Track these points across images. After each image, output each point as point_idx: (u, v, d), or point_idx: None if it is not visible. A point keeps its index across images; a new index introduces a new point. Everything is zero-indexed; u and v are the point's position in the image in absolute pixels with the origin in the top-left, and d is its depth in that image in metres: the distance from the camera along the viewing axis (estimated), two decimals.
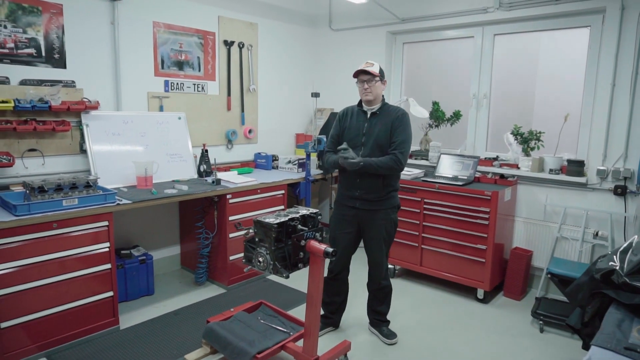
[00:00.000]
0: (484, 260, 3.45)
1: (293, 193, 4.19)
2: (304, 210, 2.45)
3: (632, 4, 3.13)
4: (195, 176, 3.79)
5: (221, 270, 3.67)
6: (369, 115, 2.78)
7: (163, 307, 3.31)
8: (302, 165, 4.36)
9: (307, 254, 2.29)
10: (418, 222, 3.76)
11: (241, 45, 4.27)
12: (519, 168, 3.77)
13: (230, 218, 3.57)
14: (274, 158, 4.55)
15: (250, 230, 2.35)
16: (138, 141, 3.53)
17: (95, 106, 3.28)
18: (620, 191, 3.28)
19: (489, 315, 3.34)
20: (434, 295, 3.68)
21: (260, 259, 2.23)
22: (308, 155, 4.11)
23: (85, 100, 3.25)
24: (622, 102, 3.25)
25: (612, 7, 3.21)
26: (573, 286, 1.86)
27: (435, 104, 4.26)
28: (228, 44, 4.16)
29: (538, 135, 3.68)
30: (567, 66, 3.64)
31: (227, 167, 4.18)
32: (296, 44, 4.89)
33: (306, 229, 2.27)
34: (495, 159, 3.94)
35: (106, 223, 2.80)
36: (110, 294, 2.88)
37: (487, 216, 3.40)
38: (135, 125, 3.53)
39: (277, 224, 2.18)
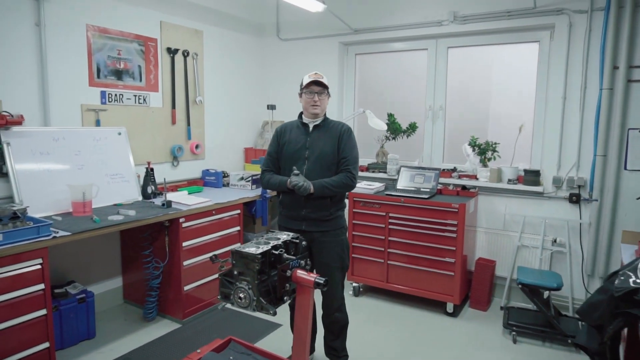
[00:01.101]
0: (452, 274, 3.41)
1: (249, 212, 3.90)
2: (283, 235, 2.20)
3: (579, 20, 3.30)
4: (140, 198, 3.37)
5: (174, 302, 3.27)
6: (311, 129, 2.57)
7: (109, 353, 2.85)
8: (256, 181, 4.08)
9: (293, 285, 2.05)
10: (383, 237, 3.65)
11: (186, 54, 3.92)
12: (477, 179, 3.81)
13: (185, 244, 3.20)
14: (224, 175, 4.23)
15: (221, 260, 2.06)
16: (72, 161, 3.06)
17: (18, 121, 2.78)
18: (575, 199, 3.41)
19: (460, 329, 3.29)
20: (402, 312, 3.57)
21: (242, 295, 1.94)
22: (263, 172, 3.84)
23: (5, 114, 2.74)
24: (573, 114, 3.39)
25: (561, 23, 3.36)
26: (586, 306, 1.82)
27: (390, 115, 4.21)
28: (172, 52, 3.79)
29: (494, 146, 3.75)
30: (519, 79, 3.75)
31: (174, 187, 3.79)
32: (243, 54, 4.62)
33: (293, 257, 2.03)
34: (454, 170, 3.95)
35: (40, 261, 2.34)
36: (46, 345, 2.40)
37: (454, 229, 3.36)
38: (68, 142, 3.05)
39: (260, 254, 1.92)
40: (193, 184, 4.01)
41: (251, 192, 3.91)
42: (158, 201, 3.27)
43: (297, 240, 2.15)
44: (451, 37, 3.90)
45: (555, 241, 3.50)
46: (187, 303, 3.27)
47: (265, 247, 1.99)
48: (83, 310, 2.93)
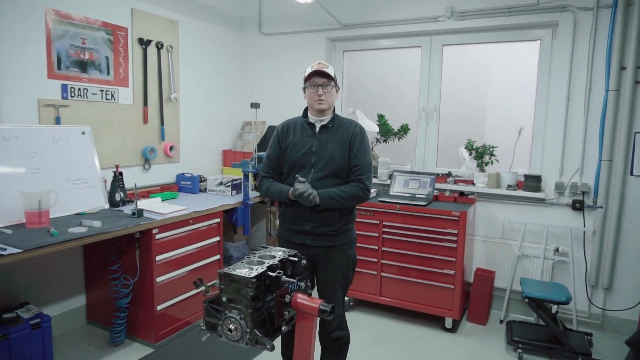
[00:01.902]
0: (452, 287, 3.17)
1: (229, 220, 3.55)
2: (278, 252, 1.89)
3: (584, 18, 3.13)
4: (107, 206, 2.98)
5: (146, 323, 2.90)
6: (317, 129, 2.24)
7: None
8: (237, 187, 3.75)
9: (292, 312, 1.74)
10: (377, 247, 3.38)
11: (159, 46, 3.55)
12: (474, 184, 3.60)
13: (158, 257, 2.84)
14: (201, 179, 3.86)
15: (206, 285, 1.73)
16: (26, 164, 2.64)
17: None
18: (579, 206, 3.23)
19: (461, 347, 3.05)
20: (397, 328, 3.30)
21: (232, 327, 1.62)
22: (246, 176, 3.52)
23: None
24: (576, 116, 3.22)
25: (565, 21, 3.19)
26: (638, 335, 1.60)
27: (381, 117, 3.95)
28: (144, 43, 3.42)
29: (491, 150, 3.55)
30: (518, 79, 3.57)
31: (146, 193, 3.41)
32: (223, 49, 4.27)
33: (293, 280, 1.72)
34: (449, 175, 3.73)
35: None
36: None
37: (455, 238, 3.13)
38: (22, 142, 2.64)
39: (255, 277, 1.60)
40: (167, 190, 3.63)
41: (231, 199, 3.57)
42: (128, 210, 2.89)
43: (296, 259, 1.84)
44: (447, 34, 3.68)
45: (557, 250, 3.32)
46: (160, 324, 2.91)
47: (260, 269, 1.67)
48: (38, 337, 2.52)
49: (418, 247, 3.25)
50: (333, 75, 2.19)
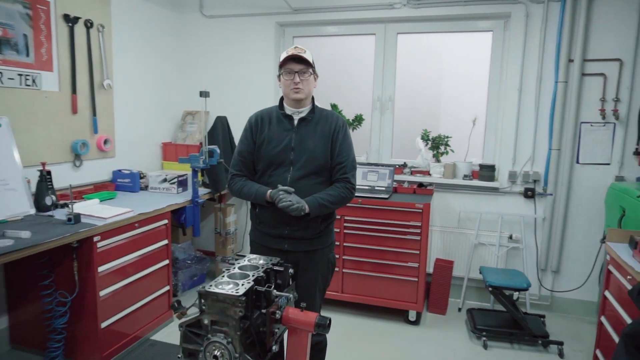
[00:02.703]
0: (416, 279, 3.14)
1: (177, 221, 3.24)
2: (259, 261, 1.68)
3: (535, 10, 3.20)
4: (33, 211, 2.54)
5: (89, 343, 2.53)
6: (296, 122, 2.03)
7: None
8: (183, 183, 3.43)
9: (282, 329, 1.55)
10: (338, 243, 3.25)
11: (89, 24, 3.10)
12: (430, 175, 3.60)
13: (101, 268, 2.48)
14: (141, 176, 3.48)
15: (185, 307, 1.49)
16: None
17: None
18: (530, 194, 3.35)
19: (427, 339, 3.04)
20: (360, 324, 3.22)
21: (217, 353, 1.39)
22: (195, 172, 3.21)
23: None
24: (528, 107, 3.31)
25: (517, 12, 3.24)
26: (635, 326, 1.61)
27: (334, 107, 3.81)
28: (70, 21, 2.96)
29: (446, 140, 3.56)
30: (472, 70, 3.59)
31: (78, 193, 2.98)
32: (161, 30, 3.86)
33: (286, 294, 1.53)
34: (404, 166, 3.70)
35: None
36: None
37: (418, 230, 3.09)
38: None
39: (243, 294, 1.39)
40: (102, 189, 3.22)
41: (178, 197, 3.24)
42: (60, 215, 2.49)
43: (281, 268, 1.65)
44: (402, 23, 3.61)
45: (511, 237, 3.42)
46: (105, 342, 2.56)
47: (247, 283, 1.46)
48: None
49: (380, 241, 3.18)
50: (311, 61, 1.98)
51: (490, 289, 2.94)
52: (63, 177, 2.97)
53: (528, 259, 3.40)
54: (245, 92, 3.97)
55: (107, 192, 3.13)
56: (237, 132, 3.78)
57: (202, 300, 1.42)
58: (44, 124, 2.83)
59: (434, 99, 3.75)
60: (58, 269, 2.49)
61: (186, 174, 3.48)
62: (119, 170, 3.40)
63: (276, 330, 1.51)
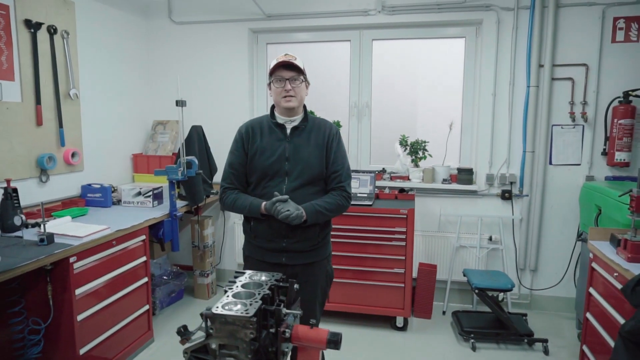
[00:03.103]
0: (402, 285, 3.14)
1: (154, 237, 3.09)
2: (261, 277, 1.61)
3: (506, 17, 3.30)
4: None
5: None
6: (289, 131, 1.98)
7: None
8: (158, 196, 3.29)
9: (291, 347, 1.49)
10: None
11: (52, 30, 2.91)
12: (409, 180, 3.62)
13: (78, 291, 2.32)
14: (113, 189, 3.31)
15: (190, 332, 1.40)
16: None
17: None
18: (507, 195, 3.43)
19: (416, 344, 3.04)
20: (347, 333, 3.17)
21: None
22: (172, 184, 3.08)
23: None
24: (502, 111, 3.40)
25: (489, 19, 3.33)
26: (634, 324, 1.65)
27: (311, 113, 3.76)
28: (32, 27, 2.77)
29: (423, 145, 3.60)
30: (446, 75, 3.65)
31: (46, 211, 2.77)
32: (128, 37, 3.70)
33: (296, 311, 1.46)
34: (383, 171, 3.70)
35: None
36: None
37: (403, 236, 3.10)
38: None
39: (254, 314, 1.31)
40: (71, 205, 3.03)
41: (155, 211, 3.10)
42: (31, 235, 2.31)
43: (287, 283, 1.58)
44: (376, 29, 3.63)
45: (490, 239, 3.49)
46: None
47: (255, 302, 1.39)
48: None
49: (365, 248, 3.16)
50: (302, 68, 1.94)
51: (476, 291, 2.98)
52: (29, 193, 2.77)
53: (507, 259, 3.48)
54: (219, 100, 3.87)
55: (78, 209, 2.95)
56: (213, 141, 3.70)
57: (209, 324, 1.34)
58: (6, 138, 2.63)
59: (410, 104, 3.79)
60: (30, 293, 2.31)
61: (161, 187, 3.34)
62: (89, 185, 3.22)
63: (285, 349, 1.45)
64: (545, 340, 2.92)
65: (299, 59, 1.96)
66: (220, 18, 3.77)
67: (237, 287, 1.52)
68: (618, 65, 3.16)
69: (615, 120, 3.11)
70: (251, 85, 3.88)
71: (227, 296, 1.44)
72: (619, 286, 2.05)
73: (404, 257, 3.11)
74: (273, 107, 2.03)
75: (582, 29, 3.18)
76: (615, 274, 2.10)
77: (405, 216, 3.08)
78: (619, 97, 3.13)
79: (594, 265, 2.37)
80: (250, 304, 1.37)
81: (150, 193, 3.22)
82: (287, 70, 1.92)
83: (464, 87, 3.56)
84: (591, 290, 2.40)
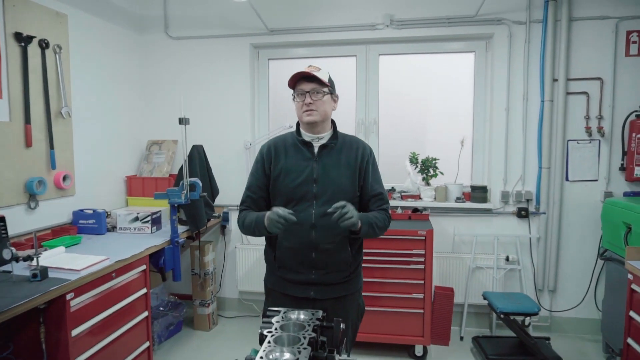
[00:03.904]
0: (422, 311, 2.96)
1: (154, 266, 2.84)
2: (300, 315, 1.41)
3: (518, 31, 3.23)
4: None
5: None
6: (316, 150, 1.81)
7: None
8: (157, 221, 3.06)
9: None
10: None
11: (44, 45, 2.70)
12: (421, 198, 3.47)
13: (75, 332, 2.06)
14: (107, 215, 3.06)
15: None
16: None
17: None
18: (524, 213, 3.31)
19: None
20: None
21: None
22: (174, 208, 2.86)
23: None
24: (516, 126, 3.30)
25: (500, 33, 3.25)
26: None
27: None
28: (23, 40, 2.55)
29: (434, 162, 3.46)
30: (456, 90, 3.54)
31: (35, 240, 2.52)
32: (123, 53, 3.50)
33: (345, 358, 1.27)
34: (393, 190, 3.55)
35: None
36: None
37: (422, 259, 2.93)
38: None
39: None
40: (62, 233, 2.77)
41: (154, 238, 2.87)
42: (21, 269, 2.06)
43: (332, 323, 1.38)
44: (384, 44, 3.52)
45: (507, 259, 3.35)
46: None
47: (303, 349, 1.19)
48: None
49: (382, 272, 2.98)
50: (326, 80, 1.77)
51: (501, 316, 2.81)
52: (16, 222, 2.52)
53: (525, 280, 3.34)
54: (220, 119, 3.68)
55: (70, 237, 2.69)
56: (213, 161, 3.49)
57: None
58: None
59: (419, 120, 3.66)
60: (19, 336, 2.04)
61: (160, 211, 3.11)
62: (81, 210, 2.96)
63: None
64: None
65: (323, 70, 1.79)
66: (220, 33, 3.61)
67: (275, 329, 1.32)
68: (633, 78, 3.10)
69: (634, 135, 3.04)
70: (252, 102, 3.71)
71: (269, 342, 1.24)
72: None
73: (422, 282, 2.94)
74: (298, 124, 1.86)
75: (595, 42, 3.13)
76: None
77: (423, 238, 2.91)
78: (636, 111, 3.07)
79: (635, 287, 2.24)
80: (299, 352, 1.17)
81: (149, 218, 2.99)
82: (307, 82, 1.76)
83: (474, 102, 3.46)
84: (632, 314, 2.26)
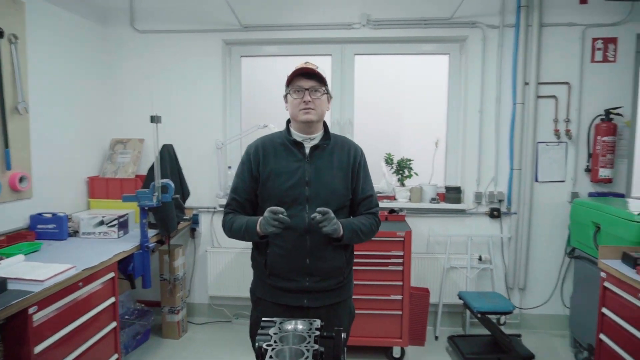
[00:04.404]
0: (400, 313, 2.95)
1: (123, 272, 2.67)
2: (298, 325, 1.34)
3: (491, 35, 3.28)
4: None
5: None
6: (308, 150, 1.74)
7: None
8: (124, 225, 2.88)
9: None
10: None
11: None
12: (396, 199, 3.47)
13: (38, 348, 1.89)
14: (68, 219, 2.85)
15: None
16: None
17: None
18: (496, 213, 3.37)
19: None
20: None
21: None
22: (144, 211, 2.70)
23: None
24: (489, 128, 3.36)
25: (474, 37, 3.30)
26: None
27: None
28: None
29: (408, 163, 3.47)
30: (431, 92, 3.57)
31: None
32: (85, 45, 3.28)
33: None
34: None
35: None
36: None
37: (400, 260, 2.92)
38: None
39: None
40: (19, 239, 2.55)
41: (122, 243, 2.70)
42: None
43: (333, 332, 1.32)
44: (359, 44, 3.49)
45: (480, 258, 3.40)
46: None
47: None
48: None
49: (361, 275, 2.92)
50: (324, 78, 1.71)
51: (478, 315, 2.85)
52: None
53: (496, 279, 3.41)
54: (190, 117, 3.53)
55: (28, 244, 2.48)
56: (184, 162, 3.34)
57: None
58: None
59: (394, 121, 3.66)
60: None
61: (127, 214, 2.93)
62: (39, 214, 2.75)
63: None
64: None
65: (320, 69, 1.73)
66: (191, 28, 3.46)
67: (275, 342, 1.24)
68: (598, 84, 3.23)
69: (599, 138, 3.17)
70: (224, 100, 3.58)
71: (270, 357, 1.16)
72: None
73: (401, 283, 2.93)
74: (289, 122, 1.78)
75: (564, 48, 3.23)
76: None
77: (402, 239, 2.91)
78: (600, 115, 3.20)
79: (607, 284, 2.31)
80: None
81: (116, 222, 2.81)
82: (307, 79, 1.68)
83: (448, 104, 3.50)
84: (605, 310, 2.33)
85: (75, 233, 2.84)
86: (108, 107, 3.54)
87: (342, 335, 1.31)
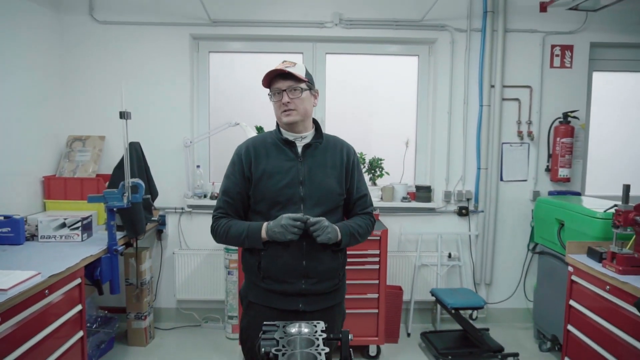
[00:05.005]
0: (376, 311, 2.97)
1: (89, 278, 2.50)
2: (303, 329, 1.31)
3: (459, 38, 3.38)
4: None
5: None
6: (300, 150, 1.69)
7: None
8: (88, 227, 2.71)
9: None
10: None
11: None
12: None
13: None
14: (25, 222, 2.64)
15: None
16: None
17: None
18: (465, 212, 3.48)
19: None
20: None
21: None
22: (112, 213, 2.54)
23: None
24: (457, 129, 3.46)
25: (443, 39, 3.39)
26: None
27: (259, 129, 3.47)
28: None
29: (379, 162, 3.51)
30: (401, 92, 3.62)
31: None
32: (39, 34, 3.05)
33: None
34: None
35: None
36: None
37: (377, 259, 2.95)
38: None
39: None
40: None
41: (87, 246, 2.53)
42: None
43: (339, 334, 1.29)
44: (331, 42, 3.48)
45: (450, 256, 3.50)
46: None
47: None
48: None
49: None
50: (302, 76, 1.64)
51: (452, 311, 2.92)
52: None
53: (464, 275, 3.52)
54: (156, 114, 3.38)
55: None
56: (150, 160, 3.18)
57: None
58: None
59: (365, 121, 3.68)
60: None
61: (90, 215, 2.75)
62: None
63: None
64: (516, 355, 2.96)
65: (299, 64, 1.67)
66: (157, 20, 3.31)
67: (284, 347, 1.20)
68: (557, 88, 3.42)
69: (558, 139, 3.35)
70: (192, 97, 3.45)
71: None
72: (613, 299, 2.12)
73: (377, 281, 2.96)
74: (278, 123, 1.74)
75: (526, 53, 3.39)
76: (607, 287, 2.16)
77: (378, 238, 2.93)
78: (559, 118, 3.38)
79: (574, 278, 2.44)
80: None
81: (79, 224, 2.63)
82: (284, 80, 1.62)
83: (418, 105, 3.57)
84: (572, 302, 2.46)
85: (32, 237, 2.63)
86: (64, 101, 3.32)
87: (350, 337, 1.29)
